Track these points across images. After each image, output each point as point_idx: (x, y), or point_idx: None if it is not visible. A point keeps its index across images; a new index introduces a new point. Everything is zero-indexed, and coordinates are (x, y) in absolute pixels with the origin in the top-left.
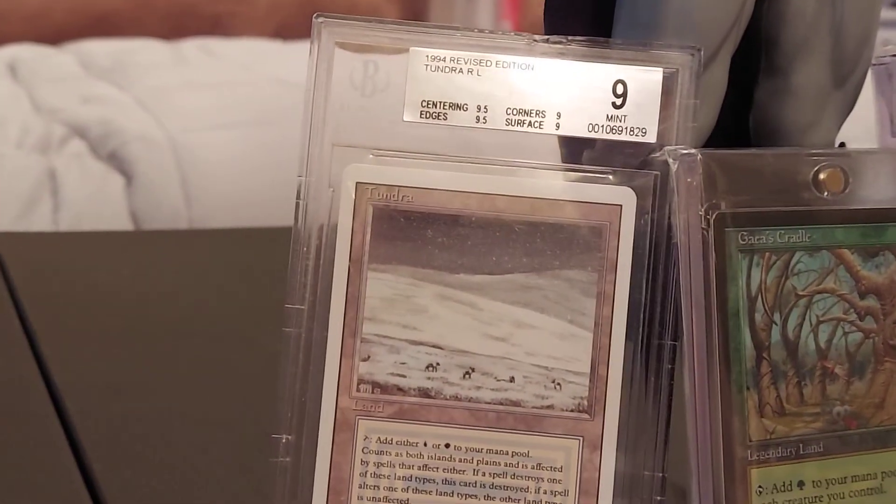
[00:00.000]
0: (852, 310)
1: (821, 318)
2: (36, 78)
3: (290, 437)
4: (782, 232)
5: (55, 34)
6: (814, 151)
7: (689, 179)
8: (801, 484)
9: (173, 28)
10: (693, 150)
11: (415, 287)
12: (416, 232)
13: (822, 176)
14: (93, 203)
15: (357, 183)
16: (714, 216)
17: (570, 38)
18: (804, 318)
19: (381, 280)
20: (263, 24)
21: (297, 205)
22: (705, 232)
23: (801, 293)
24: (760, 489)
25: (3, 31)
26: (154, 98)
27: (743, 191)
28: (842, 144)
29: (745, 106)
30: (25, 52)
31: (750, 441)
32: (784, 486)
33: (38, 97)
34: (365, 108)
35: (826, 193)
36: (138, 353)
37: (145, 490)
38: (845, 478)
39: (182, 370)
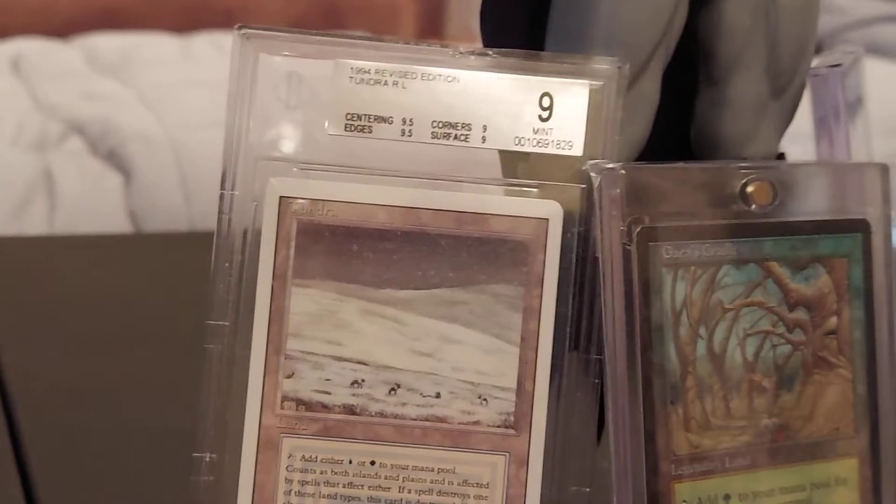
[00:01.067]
0: (781, 322)
1: (748, 332)
2: (38, 73)
3: (213, 456)
4: (708, 246)
5: (63, 27)
6: (742, 164)
7: (611, 193)
8: (727, 497)
9: (186, 22)
10: (615, 165)
11: (339, 302)
12: (340, 246)
13: (749, 189)
14: (90, 202)
15: (281, 197)
16: (637, 230)
17: (496, 50)
18: (731, 332)
19: (305, 295)
20: (277, 18)
21: (220, 219)
22: (628, 246)
23: (727, 307)
24: (685, 503)
25: (7, 23)
26: (156, 94)
27: (668, 205)
28: (781, 156)
29: (689, 119)
30: (30, 47)
31: (674, 456)
32: (709, 499)
33: (39, 93)
34: (289, 121)
35: (754, 206)
36: (106, 359)
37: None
38: (773, 490)
39: (150, 377)
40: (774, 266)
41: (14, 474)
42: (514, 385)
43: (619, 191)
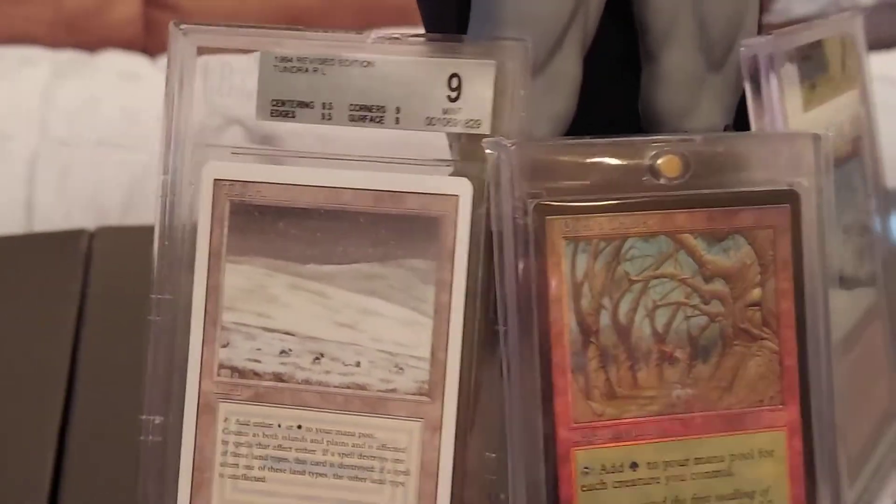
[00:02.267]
0: (695, 294)
1: (658, 303)
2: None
3: (160, 419)
4: (611, 218)
5: None
6: (651, 138)
7: (505, 169)
8: (634, 465)
9: (363, 20)
10: (510, 141)
11: (269, 277)
12: (269, 225)
13: (659, 162)
14: None
15: (215, 179)
16: (533, 205)
17: (406, 34)
18: (638, 303)
19: (238, 271)
20: None
21: (161, 202)
22: (522, 220)
23: (634, 278)
24: (586, 470)
25: None
26: None
27: (570, 179)
28: (727, 128)
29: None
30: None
31: (575, 423)
32: (614, 467)
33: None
34: (222, 109)
35: (663, 179)
36: None
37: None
38: (687, 460)
39: None
40: (688, 238)
41: None
42: (428, 355)
43: (512, 166)
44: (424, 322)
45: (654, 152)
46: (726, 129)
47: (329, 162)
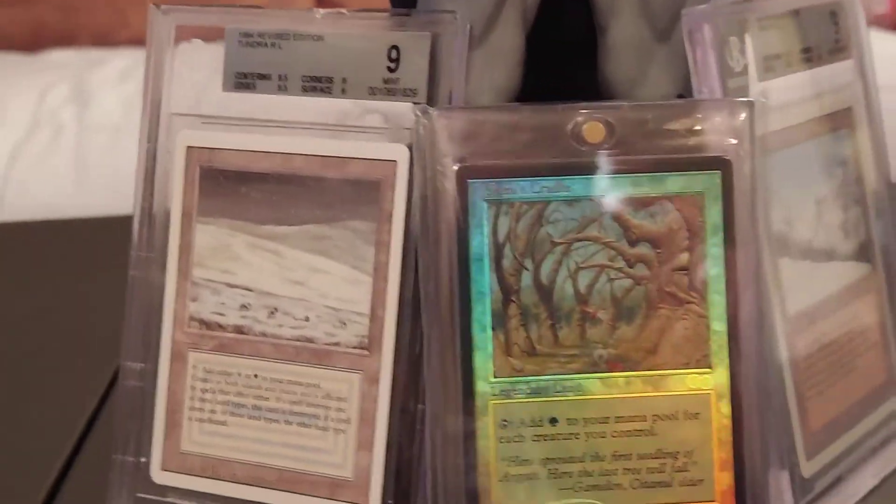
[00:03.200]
0: (620, 257)
1: (580, 265)
2: None
3: (140, 365)
4: (534, 182)
5: None
6: (576, 105)
7: (430, 134)
8: (553, 420)
9: (329, 2)
10: (433, 108)
11: (232, 237)
12: (233, 189)
13: (583, 128)
14: None
15: (187, 147)
16: (455, 169)
17: (353, 10)
18: (560, 265)
19: (206, 231)
20: None
21: (140, 167)
22: (447, 183)
23: (557, 241)
24: (505, 422)
25: None
26: None
27: (493, 144)
28: (680, 97)
29: None
30: None
31: (494, 377)
32: (534, 421)
33: None
34: (195, 82)
35: (586, 145)
36: None
37: None
38: (608, 418)
39: None
40: (614, 202)
41: None
42: (367, 311)
43: (435, 131)
44: (365, 280)
45: (577, 118)
46: (680, 98)
47: (285, 130)
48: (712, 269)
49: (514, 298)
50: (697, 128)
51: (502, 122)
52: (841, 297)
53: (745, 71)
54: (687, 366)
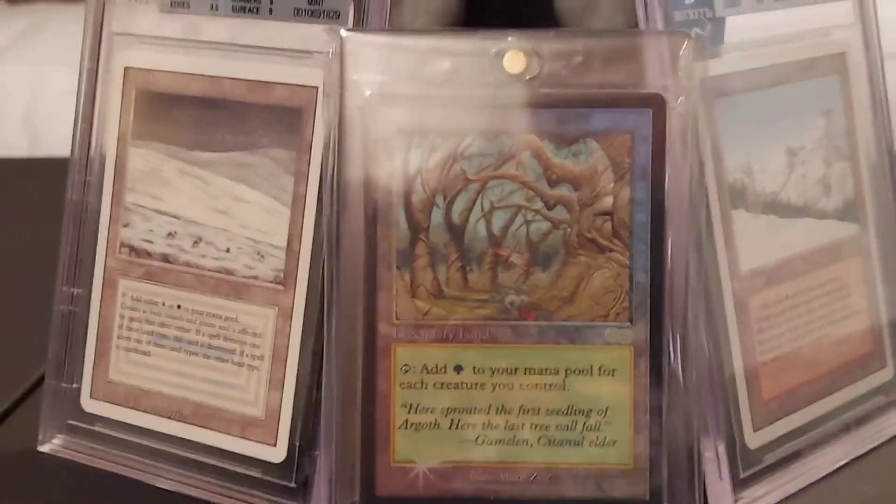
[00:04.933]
0: (538, 198)
1: (496, 205)
2: None
3: (76, 290)
4: (451, 113)
5: None
6: (499, 32)
7: (345, 59)
8: (458, 368)
9: None
10: (347, 30)
11: (163, 161)
12: (165, 112)
13: (504, 57)
14: None
15: (126, 67)
16: (368, 94)
17: None
18: (474, 203)
19: (139, 154)
20: None
21: (81, 88)
22: (358, 111)
23: (471, 177)
24: (406, 367)
25: None
26: None
27: (409, 70)
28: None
29: None
30: None
31: (397, 319)
32: (437, 367)
33: None
34: (134, 3)
35: (508, 75)
36: None
37: None
38: (516, 368)
39: None
40: (533, 139)
41: None
42: (284, 244)
43: (348, 54)
44: (283, 212)
45: (499, 46)
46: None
47: (216, 52)
48: (638, 215)
49: (422, 237)
50: (629, 62)
51: (420, 48)
52: (815, 257)
53: (702, 3)
54: (605, 318)
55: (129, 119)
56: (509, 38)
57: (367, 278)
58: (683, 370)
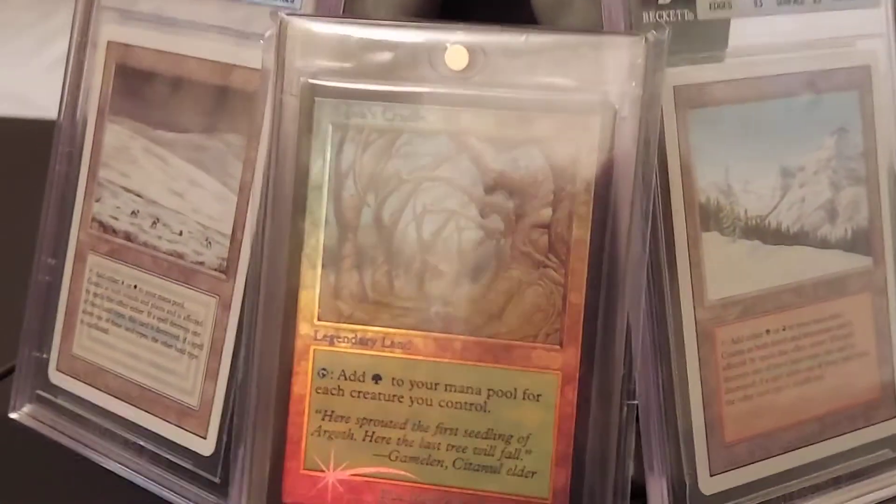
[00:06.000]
0: (472, 205)
1: (428, 208)
2: None
3: (52, 261)
4: (387, 108)
5: None
6: (444, 25)
7: (283, 43)
8: (377, 378)
9: None
10: (290, 15)
11: (132, 139)
12: (139, 89)
13: (446, 53)
14: None
15: (108, 41)
16: (303, 84)
17: None
18: (406, 205)
19: (113, 130)
20: None
21: (70, 59)
22: (293, 100)
23: (405, 177)
24: (324, 371)
25: None
26: None
27: (349, 60)
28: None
29: None
30: None
31: (318, 320)
32: (355, 374)
33: None
34: None
35: (449, 72)
36: None
37: None
38: (437, 384)
39: None
40: (473, 141)
41: None
42: (229, 232)
43: (288, 39)
44: (231, 199)
45: (444, 40)
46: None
47: (189, 31)
48: (577, 231)
49: (350, 236)
50: (579, 64)
51: (362, 38)
52: (810, 290)
53: (681, 4)
54: (535, 339)
55: (108, 93)
56: (456, 33)
57: (291, 275)
58: (614, 402)
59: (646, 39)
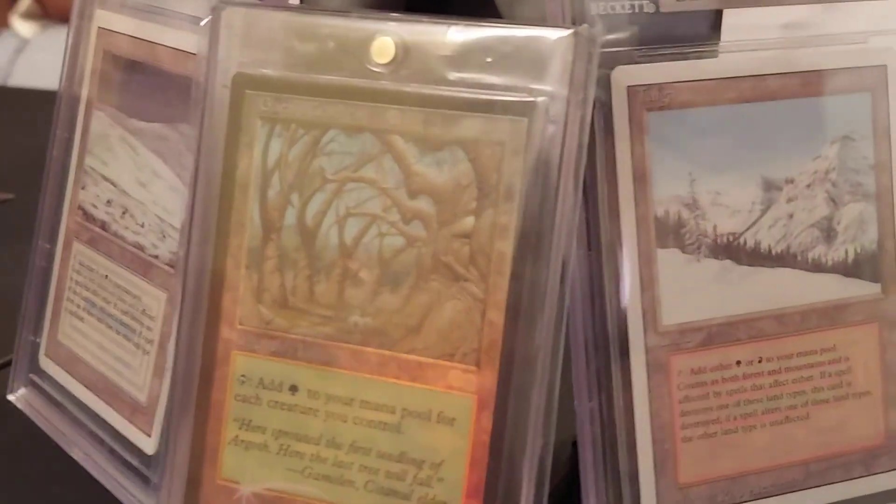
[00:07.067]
0: (395, 209)
1: (351, 211)
2: None
3: (49, 246)
4: (315, 103)
5: None
6: (373, 15)
7: (216, 32)
8: (293, 388)
9: None
10: (225, 4)
11: (111, 127)
12: (121, 77)
13: (372, 45)
14: None
15: (99, 28)
16: (233, 75)
17: None
18: (330, 207)
19: (98, 118)
20: None
21: (69, 44)
22: (223, 91)
23: (329, 177)
24: (244, 378)
25: None
26: None
27: (278, 52)
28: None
29: None
30: None
31: (240, 324)
32: (273, 384)
33: None
34: None
35: (375, 65)
36: None
37: None
38: (353, 399)
39: None
40: (397, 140)
41: None
42: (180, 225)
43: (221, 29)
44: (183, 190)
45: (373, 31)
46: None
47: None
48: (498, 242)
49: (273, 237)
50: (508, 61)
51: (293, 27)
52: (797, 318)
53: None
54: (451, 357)
55: (96, 80)
56: (387, 24)
57: (215, 276)
58: (531, 432)
59: (576, 34)
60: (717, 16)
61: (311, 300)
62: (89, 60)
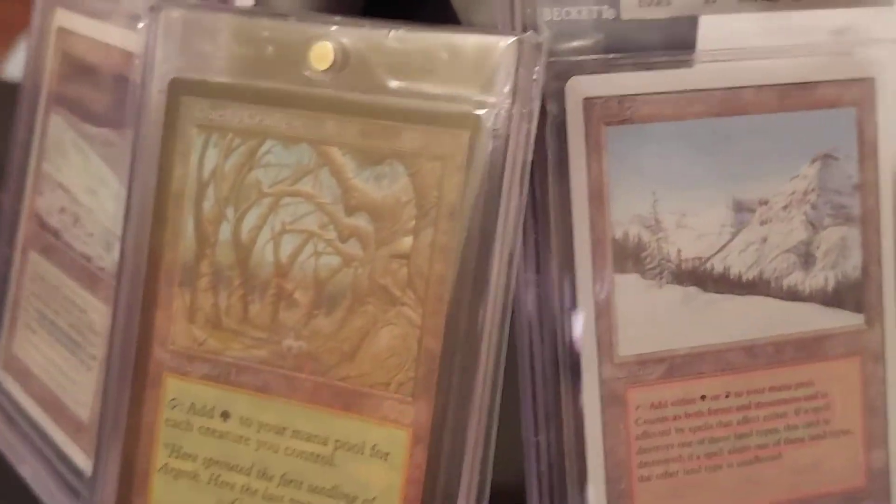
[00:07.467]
0: (332, 226)
1: (287, 227)
2: None
3: (8, 251)
4: (252, 111)
5: None
6: (314, 17)
7: (153, 34)
8: (225, 415)
9: None
10: (158, 2)
11: (66, 131)
12: (75, 79)
13: (311, 50)
14: None
15: (58, 28)
16: (170, 80)
17: None
18: (265, 222)
19: (55, 121)
20: None
21: (31, 44)
22: (158, 97)
23: (266, 191)
24: (174, 402)
25: None
26: None
27: (217, 56)
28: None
29: None
30: None
31: (172, 344)
32: (205, 409)
33: None
34: None
35: (312, 72)
36: None
37: None
38: (285, 429)
39: None
40: (335, 153)
41: None
42: None
43: (158, 30)
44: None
45: (312, 36)
46: None
47: (113, 18)
48: (437, 264)
49: (208, 252)
50: (450, 69)
51: (232, 30)
52: (770, 350)
53: None
54: (387, 387)
55: (55, 82)
56: (329, 27)
57: (148, 293)
58: (465, 470)
59: (520, 41)
60: (691, 24)
61: (245, 321)
62: (48, 61)
